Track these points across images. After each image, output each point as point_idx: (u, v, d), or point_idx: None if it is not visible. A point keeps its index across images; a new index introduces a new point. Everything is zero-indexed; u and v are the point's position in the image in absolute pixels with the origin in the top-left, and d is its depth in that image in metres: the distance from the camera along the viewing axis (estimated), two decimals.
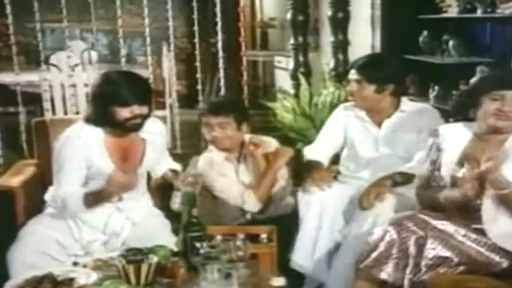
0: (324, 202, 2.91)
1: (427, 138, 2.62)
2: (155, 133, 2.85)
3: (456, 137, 2.51)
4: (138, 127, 2.69)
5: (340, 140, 3.19)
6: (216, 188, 3.15)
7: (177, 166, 3.01)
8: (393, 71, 3.03)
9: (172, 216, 2.83)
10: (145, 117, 2.69)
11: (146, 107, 2.67)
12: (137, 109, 2.64)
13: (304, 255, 2.91)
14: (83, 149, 2.67)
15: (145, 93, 2.70)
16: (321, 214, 2.90)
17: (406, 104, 3.08)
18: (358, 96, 3.03)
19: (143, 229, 2.71)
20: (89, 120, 2.72)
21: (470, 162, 2.37)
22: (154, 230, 2.71)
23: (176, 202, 2.64)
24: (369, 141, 3.07)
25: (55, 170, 2.70)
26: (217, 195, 3.15)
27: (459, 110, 2.60)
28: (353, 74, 3.02)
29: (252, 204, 3.10)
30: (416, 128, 2.95)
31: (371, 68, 3.01)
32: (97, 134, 2.71)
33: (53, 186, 2.74)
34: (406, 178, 2.81)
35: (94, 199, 2.63)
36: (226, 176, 3.19)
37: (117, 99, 2.61)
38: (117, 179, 2.54)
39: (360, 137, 3.10)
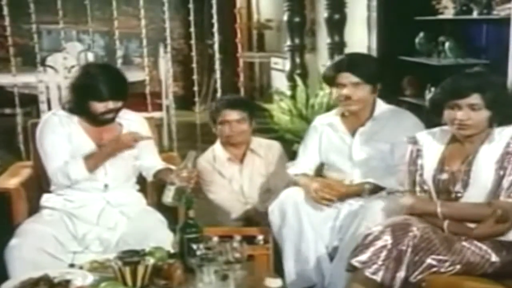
0: (302, 215, 2.85)
1: (406, 145, 2.60)
2: (132, 120, 2.91)
3: (434, 142, 2.54)
4: (109, 121, 2.80)
5: (317, 153, 3.09)
6: (210, 189, 3.19)
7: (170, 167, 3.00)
8: (380, 68, 2.99)
9: (169, 217, 2.83)
10: (117, 110, 2.79)
11: (120, 103, 2.77)
12: (112, 104, 2.73)
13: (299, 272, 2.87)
14: (61, 125, 2.78)
15: (121, 90, 2.79)
16: (300, 228, 2.84)
17: (381, 109, 2.98)
18: (355, 100, 2.89)
19: (139, 225, 2.73)
20: (66, 108, 2.83)
21: (449, 165, 2.44)
22: (151, 226, 2.73)
23: (169, 196, 2.62)
24: (343, 151, 2.98)
25: (42, 152, 2.80)
26: (208, 196, 3.19)
27: (431, 118, 2.60)
28: (347, 77, 2.88)
29: (240, 213, 3.16)
30: (392, 137, 2.86)
31: (364, 67, 2.90)
32: (72, 116, 2.81)
33: (46, 167, 2.79)
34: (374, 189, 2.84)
35: (95, 160, 2.73)
36: (225, 177, 3.21)
37: (93, 94, 2.70)
38: (122, 137, 2.72)
39: (334, 147, 3.02)
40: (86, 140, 2.79)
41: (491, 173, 2.36)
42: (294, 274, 2.86)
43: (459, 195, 2.42)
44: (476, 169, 2.39)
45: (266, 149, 3.29)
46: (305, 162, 3.10)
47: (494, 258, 2.28)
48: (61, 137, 2.76)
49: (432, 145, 2.54)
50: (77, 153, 2.76)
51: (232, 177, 3.25)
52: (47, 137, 2.78)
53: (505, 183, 2.33)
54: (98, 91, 2.69)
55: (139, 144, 2.82)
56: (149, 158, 2.94)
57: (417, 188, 2.52)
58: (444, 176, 2.45)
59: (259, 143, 3.32)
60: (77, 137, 2.78)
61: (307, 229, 2.83)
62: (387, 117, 2.96)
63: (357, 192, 2.87)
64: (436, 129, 2.57)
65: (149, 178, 2.96)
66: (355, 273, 2.35)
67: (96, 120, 2.77)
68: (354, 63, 2.94)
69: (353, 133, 2.98)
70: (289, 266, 2.86)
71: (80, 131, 2.79)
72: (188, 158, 2.70)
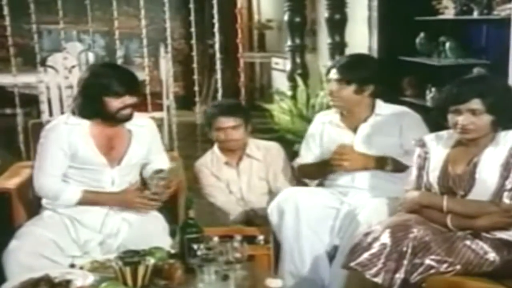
0: (301, 215, 2.84)
1: (414, 147, 2.63)
2: (141, 125, 2.89)
3: (440, 145, 2.56)
4: (128, 118, 2.77)
5: (318, 149, 3.11)
6: (208, 192, 3.19)
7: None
8: (373, 72, 2.96)
9: (168, 217, 2.83)
10: (134, 106, 2.78)
11: (136, 98, 2.77)
12: (129, 100, 2.73)
13: (292, 272, 2.86)
14: (68, 135, 2.73)
15: (135, 84, 2.80)
16: (298, 228, 2.84)
17: (382, 107, 3.00)
18: (337, 96, 2.95)
19: (140, 230, 2.71)
20: (77, 112, 2.79)
21: (454, 167, 2.46)
22: (152, 233, 2.71)
23: None
24: None
25: (38, 158, 2.77)
26: (208, 199, 3.19)
27: (437, 122, 2.61)
28: (333, 74, 2.95)
29: (239, 215, 3.15)
30: (395, 131, 2.90)
31: (351, 68, 2.94)
32: (83, 122, 2.77)
33: (34, 174, 2.76)
34: (396, 166, 2.86)
35: (97, 200, 2.73)
36: (222, 181, 3.20)
37: (110, 90, 2.70)
38: (129, 197, 2.73)
39: (334, 143, 2.99)
40: (94, 152, 2.74)
41: (495, 175, 2.37)
42: (290, 275, 2.85)
43: (463, 196, 2.43)
44: (480, 170, 2.40)
45: (265, 151, 3.25)
46: (308, 156, 3.13)
47: (494, 257, 2.28)
48: (63, 152, 2.72)
49: (438, 148, 2.55)
50: (80, 164, 2.73)
51: (229, 180, 3.23)
52: (49, 147, 2.74)
53: (508, 184, 2.34)
54: (114, 87, 2.69)
55: (141, 142, 2.85)
56: (157, 160, 2.93)
57: (423, 190, 2.54)
58: (449, 178, 2.46)
59: (257, 145, 3.27)
60: (83, 147, 2.73)
61: (304, 229, 2.83)
62: (389, 113, 2.98)
63: (377, 166, 2.88)
64: (444, 132, 2.58)
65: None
66: (352, 273, 2.35)
67: (115, 119, 2.75)
68: (344, 63, 3.00)
69: (354, 129, 2.99)
70: (285, 267, 2.86)
71: (88, 140, 2.75)
72: (173, 168, 2.76)
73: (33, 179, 2.76)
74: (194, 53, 5.18)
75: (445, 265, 2.26)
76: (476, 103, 2.36)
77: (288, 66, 5.27)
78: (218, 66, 5.08)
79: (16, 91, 4.91)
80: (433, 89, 4.31)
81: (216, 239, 2.40)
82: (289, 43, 5.19)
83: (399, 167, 2.85)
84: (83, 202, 2.71)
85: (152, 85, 5.11)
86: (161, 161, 2.95)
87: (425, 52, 4.54)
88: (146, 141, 2.88)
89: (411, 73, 4.72)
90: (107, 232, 2.72)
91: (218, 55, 5.07)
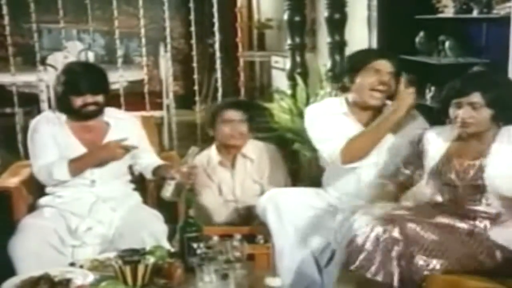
0: (282, 210, 2.85)
1: (412, 142, 2.66)
2: (120, 118, 2.97)
3: (439, 140, 2.57)
4: (93, 114, 2.86)
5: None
6: (196, 188, 3.18)
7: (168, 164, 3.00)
8: None
9: (169, 216, 2.83)
10: (101, 105, 2.86)
11: (100, 96, 2.84)
12: (90, 98, 2.81)
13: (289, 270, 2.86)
14: (48, 126, 2.86)
15: (99, 83, 2.87)
16: (280, 223, 2.85)
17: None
18: (389, 90, 2.92)
19: (133, 218, 2.78)
20: (55, 108, 2.96)
21: (455, 160, 2.47)
22: (145, 219, 2.77)
23: (168, 191, 2.64)
24: None
25: (31, 150, 2.87)
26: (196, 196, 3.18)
27: (440, 118, 2.61)
28: (385, 65, 2.93)
29: (225, 217, 3.16)
30: (406, 132, 2.88)
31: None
32: (61, 115, 2.89)
33: (32, 165, 2.88)
34: None
35: (80, 164, 2.78)
36: (214, 181, 3.19)
37: (71, 89, 2.80)
38: (110, 145, 2.77)
39: (342, 136, 2.86)
40: (72, 141, 2.84)
41: (509, 171, 2.35)
42: (283, 273, 2.83)
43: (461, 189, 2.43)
44: (491, 167, 2.38)
45: (260, 152, 3.24)
46: (339, 138, 2.86)
47: (491, 256, 2.28)
48: (48, 138, 2.82)
49: (437, 144, 2.56)
50: (63, 154, 2.80)
51: (221, 181, 3.21)
52: (35, 137, 2.84)
53: None
54: (74, 85, 2.79)
55: (121, 134, 2.87)
56: (145, 156, 2.96)
57: (424, 182, 2.56)
58: (452, 170, 2.46)
59: (254, 146, 3.26)
60: (64, 138, 2.83)
61: (288, 229, 2.83)
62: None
63: None
64: (446, 127, 2.58)
65: (148, 176, 2.97)
66: (344, 274, 2.37)
67: (80, 116, 2.83)
68: (390, 52, 3.04)
69: (363, 122, 2.94)
70: (277, 265, 2.86)
71: (67, 131, 2.85)
72: (189, 154, 2.70)
73: (33, 170, 2.85)
74: (193, 52, 5.18)
75: (434, 261, 2.26)
76: (476, 97, 2.37)
77: (288, 65, 5.26)
78: (218, 65, 5.08)
79: (15, 90, 4.91)
80: (432, 88, 4.31)
81: (216, 238, 2.40)
82: (289, 42, 5.18)
83: None
84: (75, 171, 2.77)
85: (151, 84, 5.12)
86: (153, 158, 2.97)
87: (424, 51, 4.54)
88: (127, 133, 2.89)
89: (410, 72, 4.71)
90: (97, 218, 2.77)
91: (218, 54, 5.06)
